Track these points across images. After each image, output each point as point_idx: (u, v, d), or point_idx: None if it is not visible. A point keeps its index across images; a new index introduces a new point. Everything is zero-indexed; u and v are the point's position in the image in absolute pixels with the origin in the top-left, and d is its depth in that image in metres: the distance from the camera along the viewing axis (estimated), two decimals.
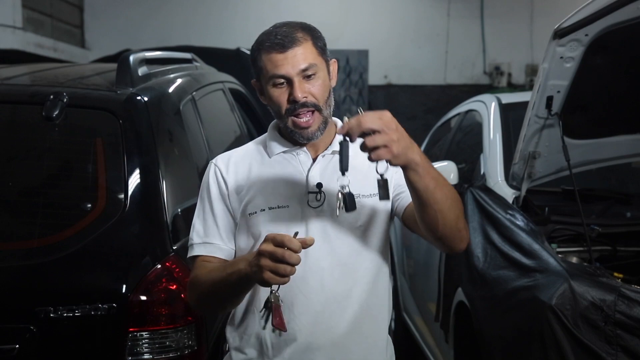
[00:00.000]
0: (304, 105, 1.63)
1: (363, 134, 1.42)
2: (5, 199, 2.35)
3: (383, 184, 1.53)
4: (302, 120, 1.63)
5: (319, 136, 1.67)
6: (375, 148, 1.41)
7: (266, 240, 1.45)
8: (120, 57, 2.69)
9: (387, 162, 1.45)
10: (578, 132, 2.74)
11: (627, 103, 2.72)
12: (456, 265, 2.90)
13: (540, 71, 2.53)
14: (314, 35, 1.67)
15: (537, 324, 2.07)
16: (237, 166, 1.76)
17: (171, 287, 2.20)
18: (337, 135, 1.76)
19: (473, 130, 3.73)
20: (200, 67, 3.62)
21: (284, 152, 1.74)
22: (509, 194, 2.87)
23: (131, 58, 2.65)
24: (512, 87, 9.05)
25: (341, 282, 1.68)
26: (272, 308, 1.54)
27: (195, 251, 1.73)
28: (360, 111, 1.47)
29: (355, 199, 1.68)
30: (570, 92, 2.57)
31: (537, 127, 2.66)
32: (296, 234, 1.46)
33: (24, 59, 6.38)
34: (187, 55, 3.58)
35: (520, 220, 2.54)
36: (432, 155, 4.39)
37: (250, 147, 1.82)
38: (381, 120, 1.41)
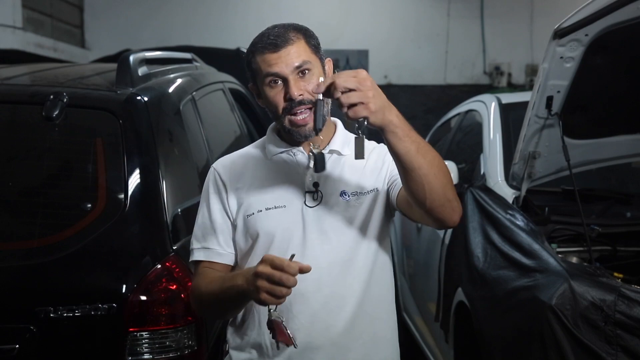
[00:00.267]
0: (301, 102, 1.63)
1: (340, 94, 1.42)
2: (5, 199, 2.35)
3: (358, 142, 1.52)
4: (299, 117, 1.64)
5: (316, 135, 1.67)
6: (352, 106, 1.41)
7: (264, 261, 1.46)
8: (120, 57, 2.69)
9: (365, 122, 1.44)
10: (578, 132, 2.74)
11: (627, 103, 2.72)
12: (456, 265, 2.90)
13: (540, 71, 2.53)
14: (307, 34, 1.68)
15: (537, 324, 2.07)
16: (236, 169, 1.77)
17: (171, 287, 2.20)
18: (335, 135, 1.76)
19: (473, 130, 3.73)
20: (200, 67, 3.62)
21: (281, 152, 1.74)
22: (509, 194, 2.87)
23: (131, 58, 2.65)
24: (512, 87, 9.04)
25: (339, 281, 1.68)
26: (274, 327, 1.56)
27: (195, 256, 1.76)
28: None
29: (354, 197, 1.68)
30: (570, 92, 2.57)
31: (537, 127, 2.66)
32: (292, 256, 1.48)
33: (24, 59, 6.37)
34: (187, 55, 3.58)
35: (520, 220, 2.54)
36: None
37: (250, 149, 1.83)
38: (356, 78, 1.41)
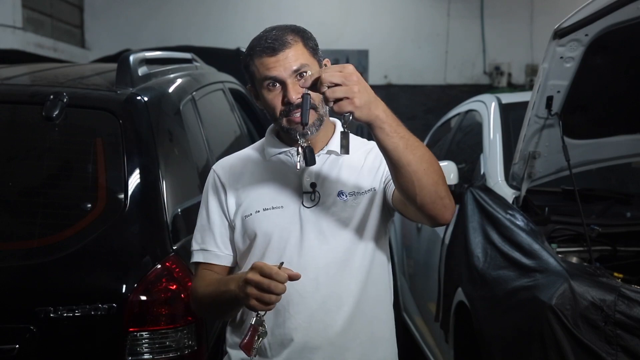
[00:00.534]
0: (299, 106, 1.63)
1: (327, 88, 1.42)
2: (5, 199, 2.35)
3: (344, 137, 1.53)
4: (296, 115, 1.64)
5: (314, 132, 1.67)
6: (338, 100, 1.41)
7: (253, 268, 1.48)
8: (120, 57, 2.69)
9: (350, 117, 1.45)
10: (578, 132, 2.74)
11: (627, 103, 2.72)
12: (456, 265, 2.90)
13: (540, 71, 2.53)
14: (304, 37, 1.68)
15: (537, 324, 2.07)
16: (235, 171, 1.78)
17: (171, 287, 2.20)
18: (334, 135, 1.76)
19: (473, 130, 3.73)
20: (200, 67, 3.62)
21: (279, 153, 1.74)
22: (509, 194, 2.87)
23: (131, 58, 2.65)
24: (512, 87, 9.04)
25: (337, 281, 1.68)
26: (249, 329, 1.56)
27: (195, 257, 1.79)
28: (325, 65, 1.47)
29: (352, 197, 1.68)
30: (570, 92, 2.57)
31: (537, 127, 2.66)
32: (281, 264, 1.49)
33: (24, 59, 6.37)
34: (187, 55, 3.58)
35: (520, 220, 2.54)
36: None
37: (249, 151, 1.84)
38: (342, 72, 1.42)
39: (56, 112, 2.36)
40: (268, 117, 1.74)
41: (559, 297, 2.03)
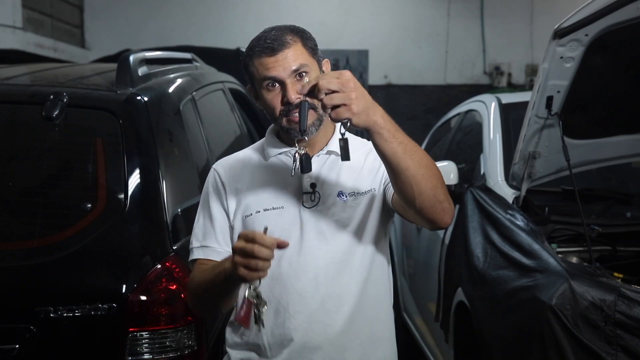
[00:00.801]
0: (298, 106, 1.63)
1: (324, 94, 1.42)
2: (5, 199, 2.35)
3: (344, 145, 1.53)
4: (295, 115, 1.64)
5: (313, 132, 1.67)
6: (335, 107, 1.41)
7: (239, 237, 1.47)
8: (120, 57, 2.69)
9: (348, 123, 1.45)
10: (578, 132, 2.74)
11: (627, 103, 2.72)
12: (456, 265, 2.90)
13: (540, 71, 2.53)
14: (304, 37, 1.68)
15: (537, 324, 2.07)
16: (235, 170, 1.78)
17: (171, 287, 2.20)
18: (334, 136, 1.76)
19: (473, 130, 3.73)
20: (200, 67, 3.62)
21: (279, 154, 1.74)
22: (509, 194, 2.87)
23: (131, 58, 2.65)
24: (512, 87, 9.05)
25: (337, 281, 1.68)
26: (243, 301, 1.55)
27: (194, 255, 1.77)
28: (324, 65, 1.47)
29: (351, 198, 1.68)
30: (570, 92, 2.57)
31: (537, 127, 2.66)
32: (265, 229, 1.47)
33: (24, 59, 6.37)
34: (187, 55, 3.58)
35: (520, 220, 2.54)
36: (432, 155, 4.38)
37: (249, 151, 1.84)
38: (339, 79, 1.42)
39: (56, 112, 2.36)
40: (268, 117, 1.74)
41: (559, 297, 2.03)
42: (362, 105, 1.42)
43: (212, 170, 1.81)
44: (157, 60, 3.08)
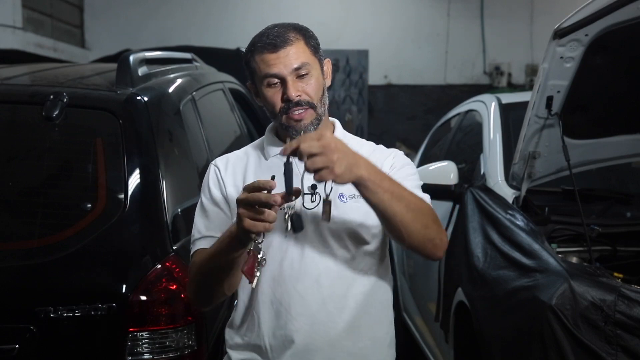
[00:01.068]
0: (298, 104, 1.64)
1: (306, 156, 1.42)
2: (5, 199, 2.35)
3: (326, 207, 1.55)
4: (295, 114, 1.64)
5: (311, 131, 1.67)
6: (318, 170, 1.42)
7: (243, 189, 1.47)
8: (120, 57, 2.69)
9: (332, 184, 1.47)
10: (578, 132, 2.74)
11: (627, 103, 2.72)
12: (456, 265, 2.90)
13: (540, 71, 2.53)
14: (306, 35, 1.68)
15: (537, 324, 2.07)
16: (235, 168, 1.77)
17: (171, 287, 2.20)
18: (333, 135, 1.76)
19: (473, 130, 3.73)
20: (200, 67, 3.62)
21: (280, 153, 1.74)
22: (509, 194, 2.87)
23: (131, 58, 2.65)
24: (512, 87, 9.05)
25: (338, 282, 1.68)
26: (249, 254, 1.54)
27: (197, 246, 1.73)
28: (301, 132, 1.47)
29: (352, 199, 1.68)
30: (570, 92, 2.57)
31: (537, 127, 2.66)
32: (273, 177, 1.47)
33: (24, 59, 6.37)
34: (187, 55, 3.58)
35: (520, 220, 2.54)
36: (432, 155, 4.40)
37: (248, 150, 1.83)
38: (320, 142, 1.41)
39: (56, 112, 2.36)
40: (267, 114, 1.73)
41: (559, 297, 2.03)
42: (344, 165, 1.43)
43: (211, 166, 1.80)
44: (157, 60, 3.08)
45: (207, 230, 1.73)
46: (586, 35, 2.38)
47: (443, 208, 3.24)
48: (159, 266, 2.22)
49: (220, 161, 1.80)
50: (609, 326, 1.98)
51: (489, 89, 8.96)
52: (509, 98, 3.67)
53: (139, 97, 2.52)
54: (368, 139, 1.85)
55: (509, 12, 9.22)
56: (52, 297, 2.13)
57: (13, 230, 2.30)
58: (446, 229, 3.16)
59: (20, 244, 2.24)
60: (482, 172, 3.20)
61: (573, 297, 2.02)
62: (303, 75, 1.64)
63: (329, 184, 1.56)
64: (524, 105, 2.73)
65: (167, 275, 2.21)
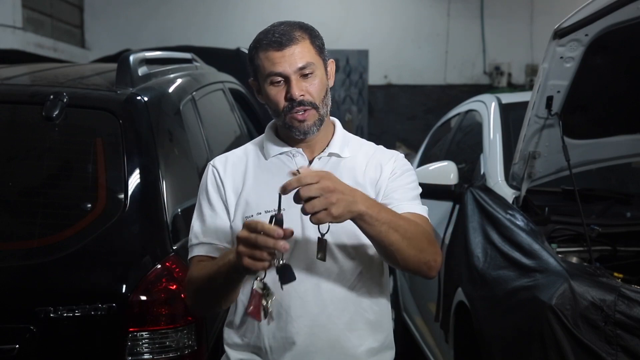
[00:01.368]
0: (301, 103, 1.63)
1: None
2: (5, 199, 2.35)
3: (321, 246, 1.56)
4: (298, 114, 1.64)
5: (314, 131, 1.67)
6: (315, 212, 1.41)
7: (243, 226, 1.46)
8: (120, 57, 2.69)
9: (328, 225, 1.50)
10: (578, 132, 2.74)
11: (627, 103, 2.72)
12: (456, 265, 2.90)
13: (540, 71, 2.53)
14: (312, 34, 1.68)
15: (537, 324, 2.06)
16: (234, 168, 1.76)
17: (171, 287, 2.19)
18: (334, 136, 1.76)
19: (473, 130, 3.73)
20: (200, 67, 3.62)
21: (280, 154, 1.73)
22: (509, 194, 2.87)
23: (131, 58, 2.65)
24: (512, 87, 9.05)
25: (338, 285, 1.68)
26: (252, 294, 1.55)
27: (194, 252, 1.74)
28: (298, 172, 1.47)
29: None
30: (570, 92, 2.57)
31: (537, 127, 2.66)
32: (271, 217, 1.45)
33: (24, 59, 6.37)
34: (187, 55, 3.58)
35: (520, 220, 2.54)
36: (432, 155, 4.40)
37: (248, 148, 1.82)
38: (318, 185, 1.41)
39: (56, 112, 2.36)
40: (270, 112, 1.72)
41: (559, 297, 2.03)
42: (342, 206, 1.42)
43: (209, 167, 1.78)
44: (157, 60, 3.08)
45: (204, 235, 1.73)
46: (586, 35, 2.37)
47: (443, 208, 3.24)
48: (159, 266, 2.21)
49: (218, 161, 1.79)
50: (609, 326, 1.98)
51: (489, 89, 8.96)
52: (509, 98, 3.66)
53: (139, 97, 2.52)
54: (368, 139, 1.84)
55: (509, 12, 9.22)
56: (52, 297, 2.13)
57: (13, 230, 2.30)
58: (446, 229, 3.16)
59: (20, 244, 2.24)
60: (482, 172, 3.19)
61: (573, 297, 2.02)
62: (307, 74, 1.64)
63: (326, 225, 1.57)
64: (524, 105, 2.73)
65: (167, 275, 2.21)
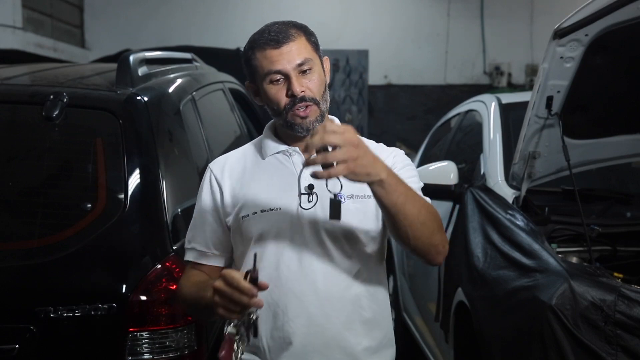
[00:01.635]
0: (303, 99, 1.63)
1: (326, 148, 1.39)
2: (5, 199, 2.35)
3: (334, 204, 1.53)
4: (300, 110, 1.63)
5: (315, 127, 1.67)
6: (329, 165, 1.39)
7: (221, 277, 1.46)
8: (120, 57, 2.69)
9: (341, 188, 1.49)
10: (578, 132, 2.74)
11: (627, 103, 2.72)
12: (456, 265, 2.90)
13: (540, 71, 2.53)
14: (307, 32, 1.68)
15: (537, 324, 2.07)
16: (232, 169, 1.76)
17: (171, 287, 2.19)
18: None
19: (473, 130, 3.73)
20: (200, 67, 3.62)
21: (277, 153, 1.73)
22: (509, 194, 2.87)
23: (131, 58, 2.65)
24: (512, 87, 9.05)
25: (335, 284, 1.67)
26: (225, 339, 1.54)
27: (186, 255, 1.80)
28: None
29: (350, 200, 1.67)
30: (570, 92, 2.57)
31: (537, 127, 2.66)
32: (246, 273, 1.45)
33: (24, 59, 6.38)
34: (187, 55, 3.58)
35: (520, 220, 2.54)
36: (432, 155, 4.40)
37: (246, 149, 1.82)
38: (344, 135, 1.39)
39: (56, 112, 2.36)
40: (270, 113, 1.72)
41: (559, 297, 2.03)
42: (362, 165, 1.40)
43: (208, 170, 1.79)
44: (157, 60, 3.08)
45: (194, 240, 1.77)
46: (586, 35, 2.38)
47: (443, 208, 3.24)
48: (159, 266, 2.22)
49: (217, 165, 1.79)
50: (609, 326, 1.98)
51: (489, 89, 8.96)
52: (509, 98, 3.67)
53: (139, 97, 2.52)
54: (368, 139, 1.84)
55: (509, 12, 9.22)
56: (52, 297, 2.13)
57: (13, 230, 2.30)
58: (446, 229, 3.16)
59: (20, 244, 2.24)
60: (482, 172, 3.20)
61: (573, 297, 2.02)
62: (306, 71, 1.64)
63: (337, 183, 1.55)
64: (524, 105, 2.73)
65: (167, 275, 2.21)
